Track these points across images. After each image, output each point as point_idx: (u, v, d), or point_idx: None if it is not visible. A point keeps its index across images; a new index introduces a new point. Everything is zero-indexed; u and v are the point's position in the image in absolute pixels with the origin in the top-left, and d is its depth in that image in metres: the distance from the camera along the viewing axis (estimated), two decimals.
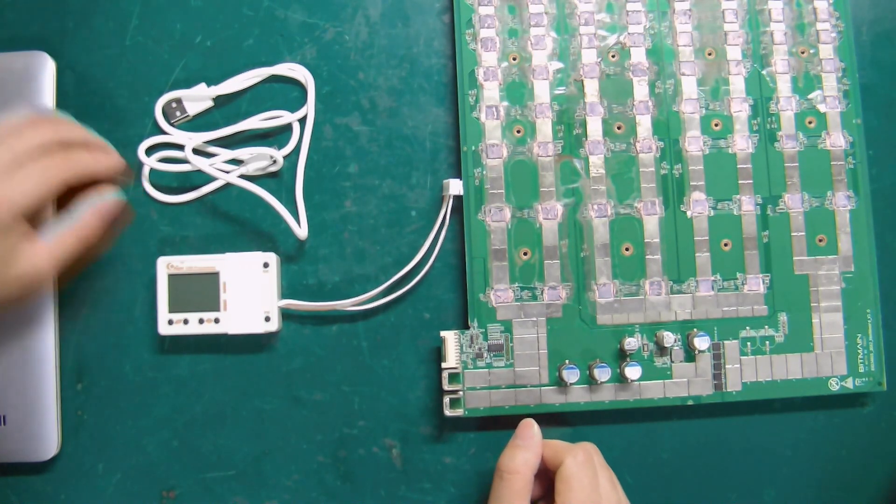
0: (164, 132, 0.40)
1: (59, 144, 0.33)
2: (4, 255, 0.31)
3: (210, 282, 0.38)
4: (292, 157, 0.40)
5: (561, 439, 0.40)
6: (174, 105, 0.40)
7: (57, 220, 0.33)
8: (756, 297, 0.40)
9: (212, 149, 0.40)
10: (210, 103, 0.40)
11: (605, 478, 0.35)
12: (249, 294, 0.38)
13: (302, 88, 0.41)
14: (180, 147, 0.40)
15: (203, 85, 0.40)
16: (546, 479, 0.36)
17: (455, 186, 0.39)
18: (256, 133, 0.40)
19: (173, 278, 0.38)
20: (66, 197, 0.33)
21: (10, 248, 0.31)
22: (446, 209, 0.39)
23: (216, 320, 0.38)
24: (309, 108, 0.40)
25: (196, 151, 0.39)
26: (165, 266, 0.38)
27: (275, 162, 0.39)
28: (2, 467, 0.38)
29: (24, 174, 0.31)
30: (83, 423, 0.39)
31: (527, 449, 0.35)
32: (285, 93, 0.41)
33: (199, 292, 0.38)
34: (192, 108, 0.40)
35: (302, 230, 0.39)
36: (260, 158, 0.39)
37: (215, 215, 0.40)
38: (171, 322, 0.38)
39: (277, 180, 0.40)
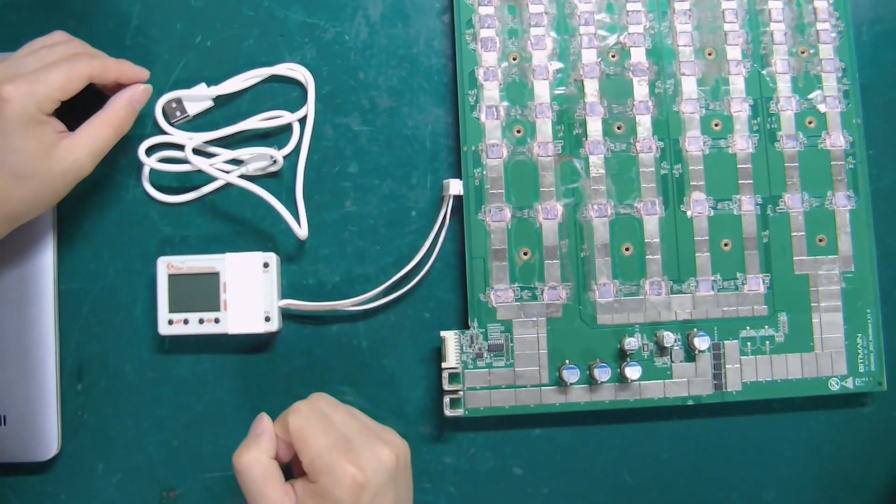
0: (164, 132, 0.40)
1: (87, 54, 0.35)
2: (44, 149, 0.32)
3: (210, 282, 0.38)
4: (292, 157, 0.40)
5: (561, 439, 0.40)
6: (174, 105, 0.40)
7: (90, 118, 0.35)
8: (756, 297, 0.40)
9: (212, 149, 0.40)
10: (210, 103, 0.40)
11: (342, 413, 0.33)
12: (249, 294, 0.38)
13: (302, 88, 0.41)
14: (180, 147, 0.40)
15: (203, 85, 0.40)
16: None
17: (455, 186, 0.39)
18: (256, 133, 0.40)
19: (173, 278, 0.38)
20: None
21: (49, 143, 0.33)
22: (446, 209, 0.39)
23: (216, 320, 0.38)
24: (309, 108, 0.40)
25: (196, 151, 0.39)
26: (165, 266, 0.38)
27: (275, 162, 0.39)
28: (2, 467, 0.38)
29: (52, 71, 0.33)
30: (83, 423, 0.39)
31: (255, 438, 0.32)
32: (285, 93, 0.41)
33: (200, 292, 0.38)
34: (192, 108, 0.40)
35: (302, 230, 0.39)
36: (260, 158, 0.39)
37: (215, 215, 0.40)
38: (171, 322, 0.38)
39: (277, 180, 0.40)
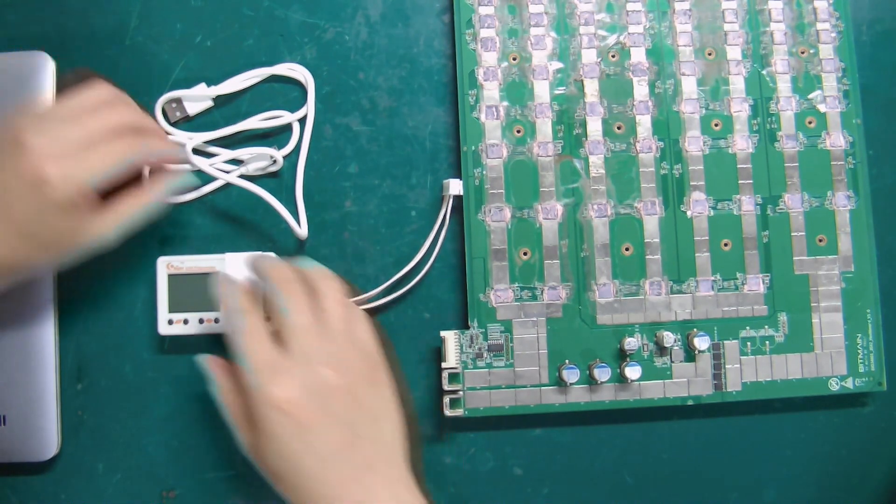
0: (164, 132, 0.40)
1: (131, 128, 0.35)
2: (75, 227, 0.32)
3: (210, 282, 0.37)
4: (292, 157, 0.40)
5: (561, 439, 0.40)
6: (174, 105, 0.40)
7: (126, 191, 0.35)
8: (756, 297, 0.40)
9: (212, 149, 0.40)
10: (210, 103, 0.40)
11: (299, 304, 0.33)
12: None
13: (302, 88, 0.41)
14: (180, 146, 0.40)
15: (203, 85, 0.40)
16: None
17: (455, 186, 0.39)
18: (256, 133, 0.40)
19: (173, 278, 0.38)
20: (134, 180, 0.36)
21: (78, 225, 0.33)
22: (446, 209, 0.39)
23: (216, 320, 0.38)
24: (309, 108, 0.40)
25: (196, 151, 0.39)
26: (165, 266, 0.38)
27: (275, 162, 0.39)
28: (2, 467, 0.38)
29: (96, 153, 0.32)
30: (83, 423, 0.39)
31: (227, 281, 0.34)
32: (285, 93, 0.41)
33: (200, 292, 0.37)
34: (192, 108, 0.40)
35: (302, 230, 0.39)
36: (260, 158, 0.39)
37: (215, 215, 0.40)
38: (170, 322, 0.38)
39: (277, 180, 0.40)
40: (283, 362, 0.31)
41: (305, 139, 0.40)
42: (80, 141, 0.32)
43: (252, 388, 0.30)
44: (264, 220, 0.40)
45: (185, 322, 0.38)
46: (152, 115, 0.40)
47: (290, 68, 0.40)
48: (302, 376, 0.31)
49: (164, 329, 0.38)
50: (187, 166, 0.38)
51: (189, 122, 0.40)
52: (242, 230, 0.40)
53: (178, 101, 0.40)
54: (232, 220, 0.40)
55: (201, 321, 0.38)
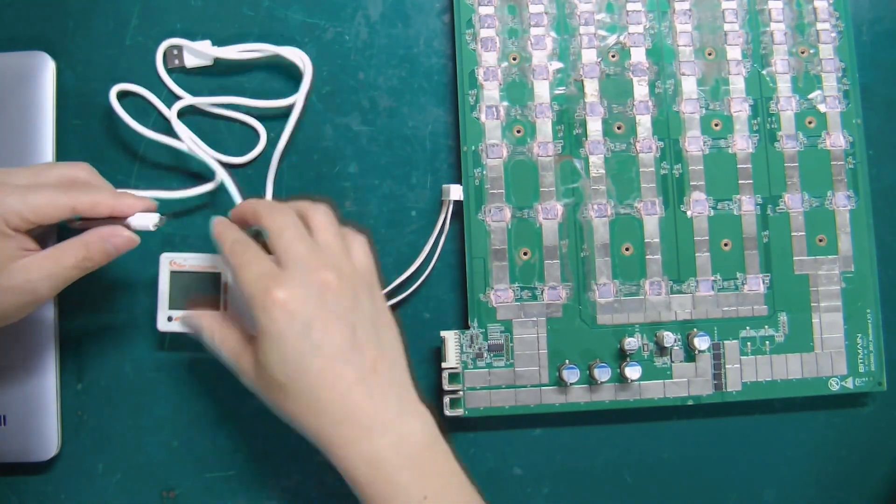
0: (158, 77, 0.40)
1: (84, 182, 0.34)
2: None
3: (211, 282, 0.37)
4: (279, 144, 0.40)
5: (561, 439, 0.40)
6: (175, 52, 0.40)
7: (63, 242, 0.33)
8: (756, 297, 0.40)
9: (168, 140, 0.39)
10: (209, 62, 0.40)
11: (291, 227, 0.33)
12: None
13: (298, 78, 0.40)
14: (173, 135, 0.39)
15: (208, 42, 0.40)
16: None
17: (455, 192, 0.39)
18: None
19: (175, 275, 0.37)
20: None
21: (6, 258, 0.31)
22: (446, 214, 0.39)
23: None
24: (299, 96, 0.39)
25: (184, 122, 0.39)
26: (168, 263, 0.37)
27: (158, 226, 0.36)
28: (2, 467, 0.38)
29: (34, 190, 0.31)
30: (83, 423, 0.39)
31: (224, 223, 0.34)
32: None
33: (200, 291, 0.37)
34: (191, 61, 0.40)
35: None
36: (146, 219, 0.35)
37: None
38: (170, 319, 0.37)
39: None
40: (283, 272, 0.31)
41: (290, 125, 0.39)
42: (28, 180, 0.32)
43: (254, 296, 0.31)
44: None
45: None
46: (153, 56, 0.40)
47: (294, 53, 0.40)
48: (301, 278, 0.31)
49: (163, 326, 0.37)
50: (134, 236, 0.34)
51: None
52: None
53: (180, 49, 0.40)
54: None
55: None
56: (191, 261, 0.37)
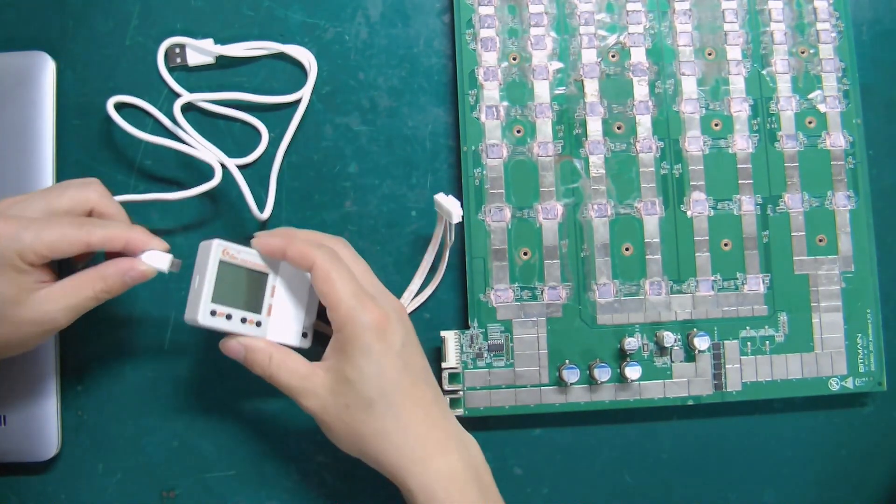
0: (159, 76, 0.40)
1: (97, 213, 0.34)
2: (18, 296, 0.31)
3: (257, 281, 0.35)
4: (282, 142, 0.40)
5: (561, 439, 0.40)
6: (177, 50, 0.40)
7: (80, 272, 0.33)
8: (756, 297, 0.40)
9: (183, 133, 0.39)
10: (211, 60, 0.40)
11: (361, 270, 0.35)
12: (295, 305, 0.35)
13: (302, 76, 0.40)
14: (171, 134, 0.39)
15: (210, 40, 0.40)
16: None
17: (455, 214, 0.35)
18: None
19: (225, 266, 0.34)
20: None
21: (25, 291, 0.31)
22: (446, 235, 0.38)
23: (258, 323, 0.34)
24: (305, 93, 0.40)
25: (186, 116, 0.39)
26: (221, 251, 0.34)
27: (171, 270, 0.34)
28: (2, 467, 0.38)
29: (51, 225, 0.31)
30: (83, 423, 0.39)
31: (278, 235, 0.34)
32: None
33: (245, 289, 0.34)
34: (193, 59, 0.40)
35: (263, 213, 0.38)
36: (159, 259, 0.34)
37: (212, 212, 0.40)
38: (213, 313, 0.33)
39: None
40: (363, 292, 0.33)
41: (294, 122, 0.40)
42: (43, 211, 0.32)
43: (353, 308, 0.32)
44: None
45: (229, 317, 0.34)
46: (154, 56, 0.40)
47: (298, 50, 0.40)
48: (380, 301, 0.33)
49: (204, 319, 0.33)
50: (151, 268, 0.33)
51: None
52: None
53: (182, 48, 0.40)
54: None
55: (244, 320, 0.34)
56: (243, 255, 0.34)
